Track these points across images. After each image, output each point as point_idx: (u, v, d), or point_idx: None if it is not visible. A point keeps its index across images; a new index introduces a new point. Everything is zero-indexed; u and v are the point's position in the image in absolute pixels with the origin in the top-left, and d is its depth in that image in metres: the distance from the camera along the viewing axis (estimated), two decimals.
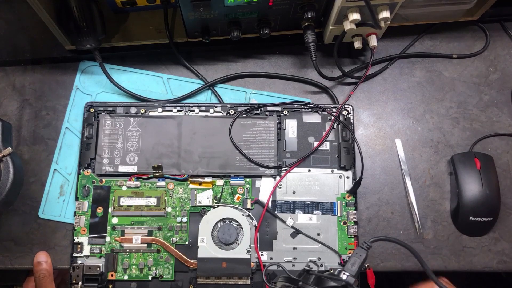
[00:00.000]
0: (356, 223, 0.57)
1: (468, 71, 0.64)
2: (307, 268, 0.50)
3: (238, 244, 0.56)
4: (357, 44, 0.59)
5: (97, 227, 0.56)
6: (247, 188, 0.58)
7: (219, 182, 0.58)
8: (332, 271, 0.55)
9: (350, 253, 0.56)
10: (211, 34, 0.59)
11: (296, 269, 0.56)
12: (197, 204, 0.57)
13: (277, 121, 0.59)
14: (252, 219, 0.57)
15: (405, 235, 0.58)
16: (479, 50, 0.65)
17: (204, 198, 0.57)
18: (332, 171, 0.59)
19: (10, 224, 0.58)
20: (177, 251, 0.56)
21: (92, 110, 0.59)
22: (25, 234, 0.58)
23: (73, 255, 0.56)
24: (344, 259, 0.56)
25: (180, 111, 0.60)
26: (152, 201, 0.57)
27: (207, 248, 0.55)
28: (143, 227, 0.57)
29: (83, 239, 0.56)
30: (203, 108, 0.60)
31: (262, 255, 0.56)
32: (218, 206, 0.57)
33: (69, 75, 0.63)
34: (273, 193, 0.58)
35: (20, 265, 0.58)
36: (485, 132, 0.62)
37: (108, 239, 0.56)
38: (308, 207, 0.58)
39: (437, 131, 0.62)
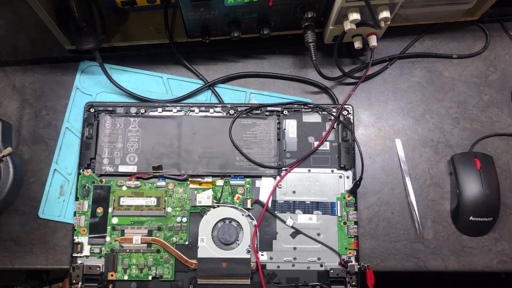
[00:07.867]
0: (356, 223, 0.57)
1: (468, 71, 0.64)
2: None
3: (238, 244, 0.56)
4: (357, 44, 0.59)
5: (97, 227, 0.56)
6: (247, 188, 0.58)
7: (219, 182, 0.58)
8: (332, 271, 0.55)
9: (350, 253, 0.56)
10: (211, 34, 0.59)
11: (296, 269, 0.56)
12: (197, 204, 0.57)
13: (277, 121, 0.59)
14: (252, 219, 0.57)
15: (405, 235, 0.58)
16: (479, 50, 0.65)
17: (204, 198, 0.57)
18: (332, 171, 0.59)
19: (10, 224, 0.58)
20: (177, 251, 0.56)
21: (92, 110, 0.59)
22: (25, 234, 0.58)
23: (73, 255, 0.56)
24: (344, 259, 0.56)
25: (180, 111, 0.60)
26: (152, 201, 0.57)
27: (207, 248, 0.55)
28: (143, 227, 0.57)
29: (83, 239, 0.56)
30: (203, 108, 0.60)
31: (262, 255, 0.56)
32: (218, 206, 0.57)
33: (69, 75, 0.63)
34: (273, 193, 0.58)
35: (20, 265, 0.58)
36: (485, 132, 0.62)
37: (108, 239, 0.56)
38: (308, 207, 0.58)
39: (437, 131, 0.62)
